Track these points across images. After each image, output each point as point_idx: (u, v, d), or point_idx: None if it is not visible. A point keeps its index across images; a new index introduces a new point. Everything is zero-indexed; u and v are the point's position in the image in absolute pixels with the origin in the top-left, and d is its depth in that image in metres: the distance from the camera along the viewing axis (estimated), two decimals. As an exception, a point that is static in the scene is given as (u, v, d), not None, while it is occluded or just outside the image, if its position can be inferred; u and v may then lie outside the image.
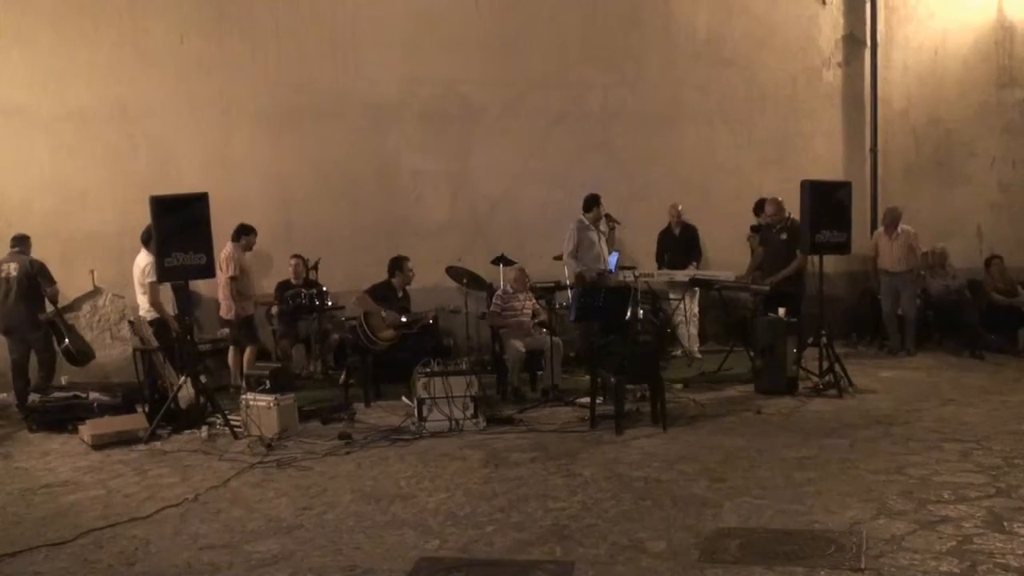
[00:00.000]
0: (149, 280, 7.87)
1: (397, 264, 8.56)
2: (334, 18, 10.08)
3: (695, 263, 9.90)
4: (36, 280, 8.16)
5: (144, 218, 7.32)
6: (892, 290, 9.93)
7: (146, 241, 7.94)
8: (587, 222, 9.35)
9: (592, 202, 9.40)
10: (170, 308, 8.14)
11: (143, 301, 8.10)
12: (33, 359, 8.37)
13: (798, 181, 8.37)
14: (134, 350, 8.05)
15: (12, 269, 8.19)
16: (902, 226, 9.90)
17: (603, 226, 9.50)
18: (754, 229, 10.00)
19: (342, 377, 8.33)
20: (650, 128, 10.63)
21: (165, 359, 7.78)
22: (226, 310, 8.79)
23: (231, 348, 8.93)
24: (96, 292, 9.37)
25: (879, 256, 10.02)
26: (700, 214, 10.28)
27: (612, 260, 9.71)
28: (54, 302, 8.27)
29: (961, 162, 11.15)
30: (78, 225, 9.51)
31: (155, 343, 7.82)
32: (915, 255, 9.93)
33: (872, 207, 10.88)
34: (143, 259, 8.00)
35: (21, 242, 8.33)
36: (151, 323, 7.98)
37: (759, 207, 9.77)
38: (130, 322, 8.23)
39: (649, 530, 4.70)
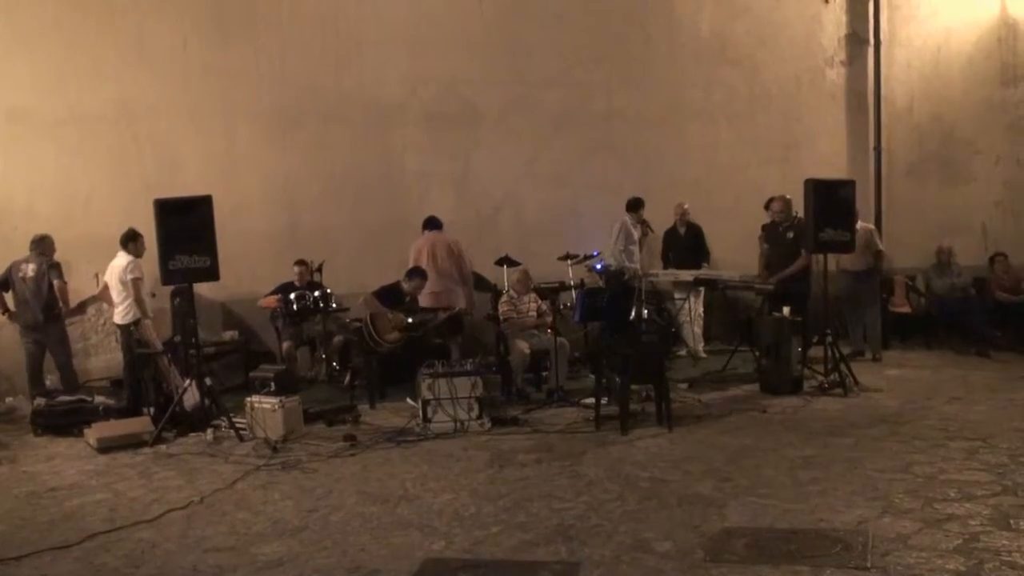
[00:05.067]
0: (132, 276, 7.92)
1: (416, 273, 8.50)
2: (337, 20, 10.09)
3: (705, 264, 9.89)
4: (50, 280, 8.19)
5: (148, 221, 7.34)
6: (850, 290, 9.61)
7: (124, 243, 8.05)
8: (632, 222, 9.40)
9: (638, 204, 9.59)
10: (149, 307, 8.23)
11: (122, 305, 8.15)
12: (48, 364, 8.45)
13: (802, 180, 8.36)
14: (137, 354, 8.06)
15: (29, 270, 8.22)
16: (860, 223, 9.38)
17: (638, 231, 9.57)
18: (765, 228, 9.98)
19: (347, 379, 8.32)
20: (654, 128, 10.64)
21: (171, 362, 7.78)
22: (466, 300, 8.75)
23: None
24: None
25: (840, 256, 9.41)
26: (704, 213, 10.27)
27: (598, 264, 9.74)
28: (63, 299, 8.29)
29: (965, 160, 11.12)
30: (82, 228, 9.49)
31: (159, 347, 7.82)
32: (873, 253, 9.48)
33: (876, 205, 10.85)
34: (121, 260, 8.06)
35: (39, 243, 8.33)
36: (121, 327, 8.08)
37: (770, 205, 9.75)
38: (131, 327, 8.21)
39: (655, 530, 4.70)
